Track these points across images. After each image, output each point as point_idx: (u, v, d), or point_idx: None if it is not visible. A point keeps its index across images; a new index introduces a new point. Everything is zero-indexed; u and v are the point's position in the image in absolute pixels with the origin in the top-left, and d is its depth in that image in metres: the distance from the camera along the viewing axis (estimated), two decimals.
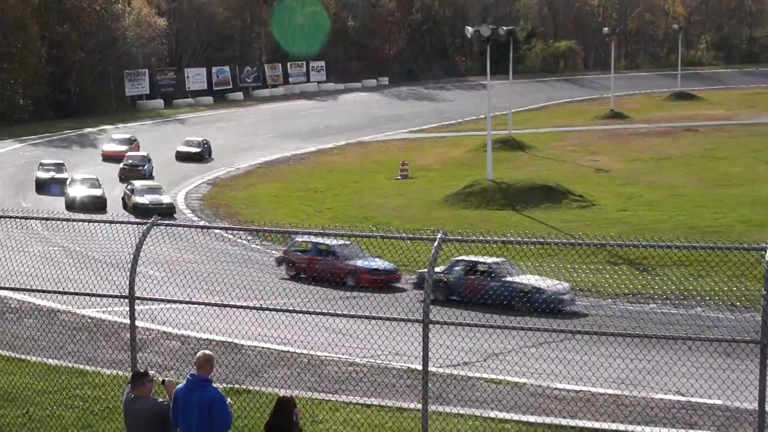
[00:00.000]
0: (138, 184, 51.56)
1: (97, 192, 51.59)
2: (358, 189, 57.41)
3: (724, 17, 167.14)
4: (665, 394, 18.04)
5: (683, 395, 17.76)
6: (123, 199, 51.66)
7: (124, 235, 16.39)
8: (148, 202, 47.85)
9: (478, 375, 19.86)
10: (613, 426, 15.91)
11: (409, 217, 46.85)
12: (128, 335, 14.74)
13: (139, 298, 14.36)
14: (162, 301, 17.05)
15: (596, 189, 53.32)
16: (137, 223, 26.84)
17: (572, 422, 16.14)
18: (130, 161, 61.26)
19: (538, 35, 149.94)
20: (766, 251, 10.54)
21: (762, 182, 53.59)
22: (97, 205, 49.88)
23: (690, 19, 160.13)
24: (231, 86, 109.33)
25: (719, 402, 16.97)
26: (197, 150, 69.44)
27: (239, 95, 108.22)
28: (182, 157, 68.76)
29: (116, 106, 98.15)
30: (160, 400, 11.81)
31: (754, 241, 14.81)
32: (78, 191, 51.24)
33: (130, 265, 13.98)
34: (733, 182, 54.28)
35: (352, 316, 17.97)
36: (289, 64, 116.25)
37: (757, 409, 10.89)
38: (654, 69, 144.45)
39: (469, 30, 59.44)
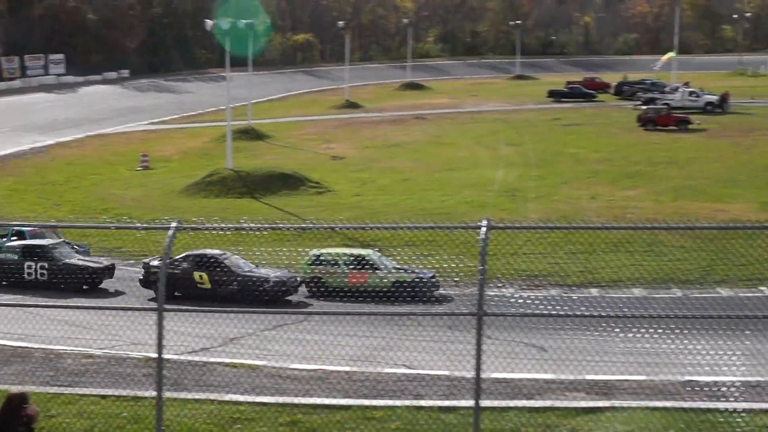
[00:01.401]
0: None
1: None
2: (97, 181, 55.58)
3: (449, 12, 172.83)
4: (393, 368, 18.35)
5: (411, 368, 18.10)
6: None
7: None
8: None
9: (215, 360, 19.59)
10: (344, 401, 16.05)
11: (149, 207, 45.79)
12: None
13: None
14: None
15: (332, 175, 53.84)
16: None
17: (306, 400, 16.17)
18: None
19: (276, 28, 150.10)
20: (481, 229, 10.79)
21: (483, 166, 55.58)
22: None
23: (419, 14, 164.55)
24: None
25: (443, 372, 17.42)
26: None
27: None
28: None
29: None
30: None
31: (474, 220, 15.25)
32: None
33: None
34: (458, 166, 55.89)
35: (86, 308, 17.40)
36: (26, 56, 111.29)
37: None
38: (386, 61, 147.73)
39: (209, 23, 58.81)
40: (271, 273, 27.27)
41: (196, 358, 19.58)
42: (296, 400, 16.15)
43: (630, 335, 16.31)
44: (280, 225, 15.42)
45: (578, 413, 14.48)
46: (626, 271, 27.87)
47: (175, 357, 18.17)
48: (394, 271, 28.06)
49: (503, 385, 16.00)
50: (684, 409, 14.57)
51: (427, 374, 17.69)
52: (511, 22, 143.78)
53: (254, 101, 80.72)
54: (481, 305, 10.27)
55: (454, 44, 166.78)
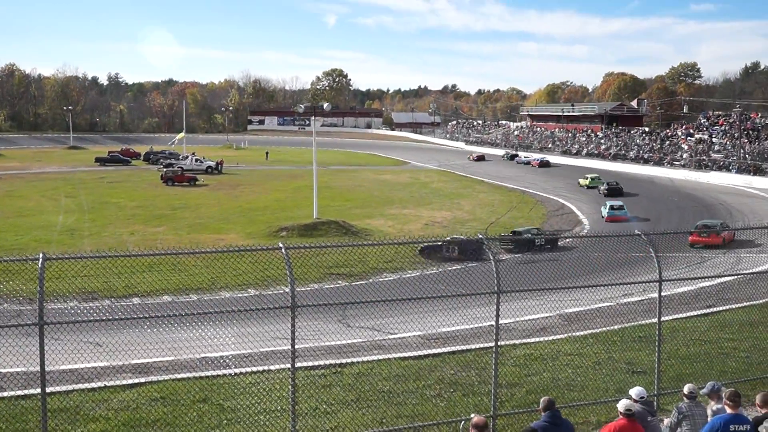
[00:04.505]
0: None
1: None
2: None
3: (15, 98, 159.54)
4: None
5: None
6: None
7: None
8: None
9: None
10: None
11: None
12: None
13: None
14: None
15: None
16: None
17: None
18: None
19: None
20: (38, 261, 9.61)
21: (48, 213, 51.59)
22: None
23: None
24: None
25: (21, 369, 15.58)
26: None
27: None
28: None
29: None
30: None
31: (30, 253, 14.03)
32: None
33: None
34: (28, 214, 51.27)
35: None
36: None
37: None
38: None
39: None
40: None
41: None
42: None
43: (161, 329, 15.98)
44: None
45: (125, 388, 13.95)
46: (158, 284, 27.35)
47: None
48: None
49: (69, 374, 14.93)
50: (201, 378, 14.61)
51: (8, 372, 15.91)
52: (65, 107, 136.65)
53: None
54: (41, 316, 9.27)
55: (21, 122, 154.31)
